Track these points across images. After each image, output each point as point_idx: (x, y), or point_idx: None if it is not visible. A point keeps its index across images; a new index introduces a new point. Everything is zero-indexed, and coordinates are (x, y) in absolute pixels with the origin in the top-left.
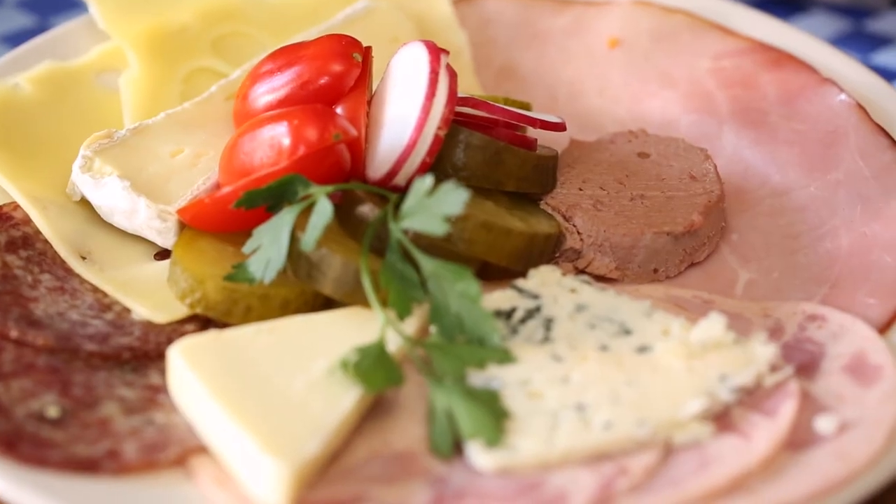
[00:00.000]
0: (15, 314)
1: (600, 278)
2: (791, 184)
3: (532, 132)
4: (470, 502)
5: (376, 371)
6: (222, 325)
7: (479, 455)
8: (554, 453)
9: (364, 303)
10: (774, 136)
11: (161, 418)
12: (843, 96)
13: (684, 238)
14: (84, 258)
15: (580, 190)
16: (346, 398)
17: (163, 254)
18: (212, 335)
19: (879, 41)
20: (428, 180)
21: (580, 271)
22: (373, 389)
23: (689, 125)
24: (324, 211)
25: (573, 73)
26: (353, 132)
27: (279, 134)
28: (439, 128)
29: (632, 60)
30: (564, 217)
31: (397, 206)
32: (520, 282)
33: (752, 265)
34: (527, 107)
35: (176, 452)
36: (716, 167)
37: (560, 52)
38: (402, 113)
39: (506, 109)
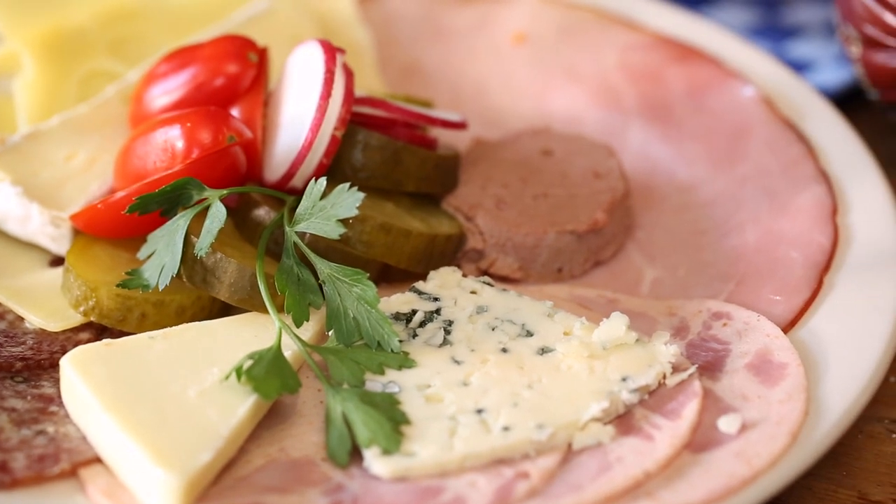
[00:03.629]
0: None
1: (504, 279)
2: (698, 179)
3: (434, 131)
4: None
5: (271, 377)
6: (117, 333)
7: (376, 462)
8: (452, 459)
9: (261, 308)
10: (681, 131)
11: (52, 429)
12: (750, 90)
13: (588, 237)
14: None
15: (482, 189)
16: (241, 406)
17: (58, 261)
18: (104, 344)
19: (792, 32)
20: (321, 183)
21: (483, 272)
22: (268, 396)
23: (596, 121)
24: (218, 215)
25: (478, 70)
26: (248, 134)
27: (173, 137)
28: (336, 128)
29: (538, 56)
30: (466, 217)
31: (293, 210)
32: (419, 284)
33: (658, 263)
34: (429, 105)
35: (67, 464)
36: (620, 164)
37: (465, 49)
38: (299, 114)
39: (405, 108)
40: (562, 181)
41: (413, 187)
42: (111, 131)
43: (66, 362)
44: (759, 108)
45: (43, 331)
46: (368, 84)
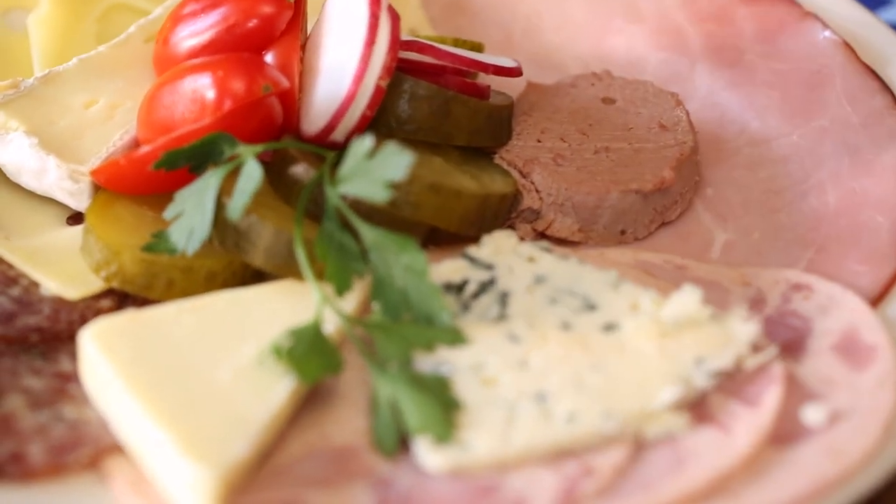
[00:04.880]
0: None
1: (562, 241)
2: (771, 132)
3: (484, 78)
4: None
5: (312, 357)
6: (142, 300)
7: (427, 453)
8: (511, 451)
9: (298, 276)
10: (752, 78)
11: (72, 413)
12: (827, 33)
13: (654, 196)
14: None
15: (538, 142)
16: (279, 389)
17: (76, 218)
18: (128, 316)
19: None
20: (367, 141)
21: (540, 234)
22: (308, 379)
23: (658, 65)
24: (252, 174)
25: (529, 8)
26: (285, 83)
27: (203, 86)
28: (381, 77)
29: None
30: (521, 173)
31: (334, 167)
32: (472, 250)
33: (729, 225)
34: (479, 48)
35: (88, 453)
36: (688, 114)
37: None
38: (340, 61)
39: (455, 54)
40: (625, 133)
41: (463, 141)
42: (134, 75)
43: (86, 337)
44: (838, 53)
45: (60, 298)
46: (412, 25)
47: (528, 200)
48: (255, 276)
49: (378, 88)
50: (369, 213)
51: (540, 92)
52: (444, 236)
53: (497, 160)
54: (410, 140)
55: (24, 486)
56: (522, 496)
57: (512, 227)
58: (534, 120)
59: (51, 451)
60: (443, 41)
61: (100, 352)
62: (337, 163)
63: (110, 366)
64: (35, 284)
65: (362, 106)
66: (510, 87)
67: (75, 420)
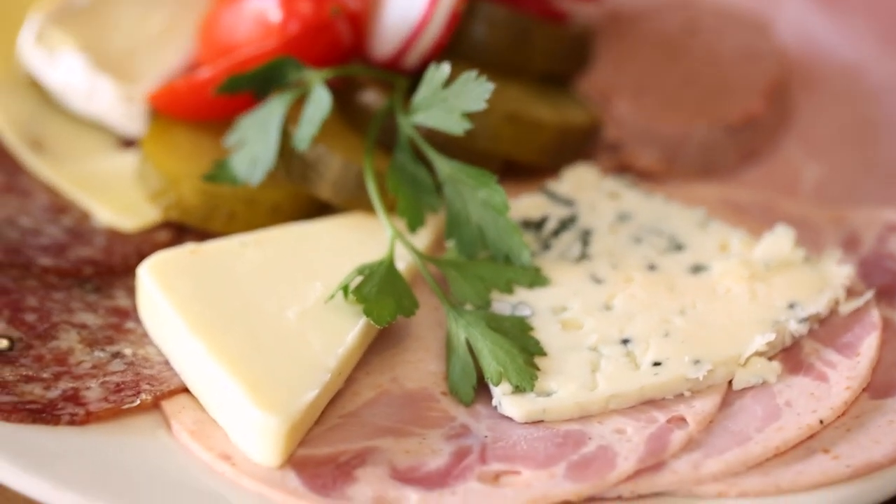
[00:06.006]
0: None
1: (643, 174)
2: (866, 61)
3: (560, 4)
4: (497, 467)
5: (384, 297)
6: (200, 233)
7: (507, 401)
8: (595, 399)
9: (367, 209)
10: (844, 3)
11: (129, 351)
12: None
13: (741, 129)
14: (36, 148)
15: (620, 70)
16: (348, 331)
17: (127, 143)
18: (188, 249)
19: None
20: (444, 68)
21: (621, 167)
22: (381, 321)
23: None
24: (320, 101)
25: None
26: (355, 4)
27: (267, 7)
28: (457, 1)
29: None
30: (602, 103)
31: (407, 95)
32: (552, 185)
33: (820, 160)
34: None
35: (148, 396)
36: (777, 43)
37: None
38: None
39: None
40: (710, 63)
41: (541, 69)
42: None
43: (145, 271)
44: None
45: (114, 230)
46: None
47: (609, 131)
48: (320, 209)
49: (454, 12)
50: (442, 144)
51: (621, 19)
52: (519, 169)
53: (576, 89)
54: (486, 68)
55: (81, 429)
56: (609, 447)
57: (591, 158)
58: (614, 48)
59: (109, 392)
60: None
61: (159, 287)
62: (409, 90)
63: (170, 303)
64: (86, 214)
65: (437, 30)
66: (588, 14)
67: (133, 358)
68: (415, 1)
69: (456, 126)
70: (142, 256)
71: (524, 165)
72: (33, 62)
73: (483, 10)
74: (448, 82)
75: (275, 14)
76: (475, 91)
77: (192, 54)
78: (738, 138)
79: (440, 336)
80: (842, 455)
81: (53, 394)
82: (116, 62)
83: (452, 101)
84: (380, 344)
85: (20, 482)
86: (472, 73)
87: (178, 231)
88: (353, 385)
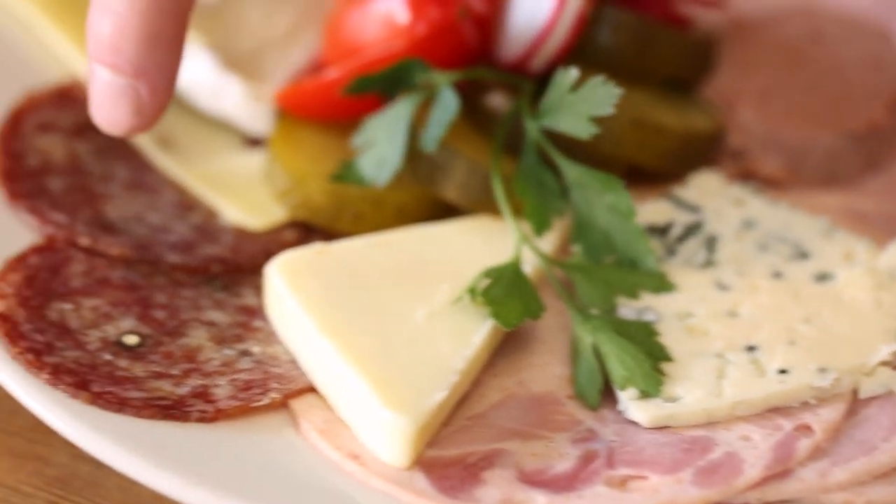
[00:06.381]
0: (85, 216)
1: (766, 182)
2: None
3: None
4: (624, 471)
5: (511, 300)
6: (326, 233)
7: (633, 405)
8: (721, 406)
9: (493, 212)
10: None
11: (258, 349)
12: None
13: (865, 138)
14: (164, 146)
15: (743, 77)
16: (476, 333)
17: (252, 142)
18: (316, 249)
19: None
20: (573, 73)
21: (744, 174)
22: (508, 324)
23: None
24: (448, 103)
25: None
26: (482, 7)
27: (395, 8)
28: (584, 4)
29: None
30: (725, 109)
31: (533, 98)
32: (677, 190)
33: None
34: None
35: (277, 394)
36: None
37: None
38: None
39: None
40: (834, 71)
41: (666, 74)
42: None
43: (273, 270)
44: None
45: (241, 228)
46: None
47: (733, 138)
48: (446, 211)
49: (581, 16)
50: (566, 147)
51: (743, 26)
52: (642, 174)
53: (699, 95)
54: (610, 72)
55: (210, 426)
56: (735, 454)
57: (714, 165)
58: (738, 54)
59: (237, 390)
60: None
61: (288, 287)
62: (536, 93)
63: (299, 302)
64: (213, 212)
65: (563, 34)
66: (712, 20)
67: (262, 356)
68: (542, 4)
69: (583, 130)
70: (269, 255)
71: (646, 170)
72: None
73: (609, 14)
74: (575, 86)
75: (402, 15)
76: (603, 95)
77: (318, 54)
78: (861, 147)
79: (565, 340)
80: None
81: (183, 390)
82: (243, 61)
83: (580, 105)
84: (506, 347)
85: (151, 478)
86: (600, 78)
87: (305, 230)
88: (479, 387)
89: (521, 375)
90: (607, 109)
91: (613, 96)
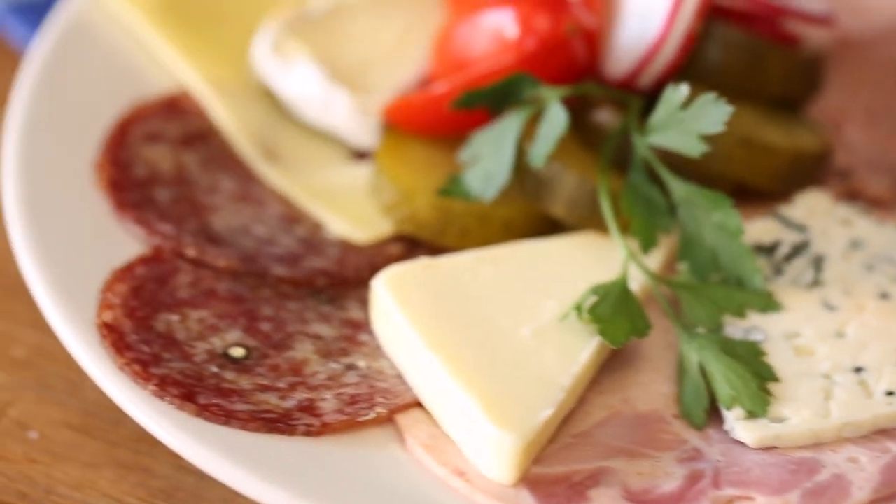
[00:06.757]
0: (192, 227)
1: (873, 202)
2: None
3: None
4: (731, 492)
5: (619, 318)
6: (431, 247)
7: (740, 426)
8: (828, 427)
9: (599, 228)
10: None
11: (364, 364)
12: None
13: None
14: (270, 157)
15: (851, 96)
16: (582, 350)
17: (358, 155)
18: (423, 264)
19: None
20: (682, 90)
21: (851, 193)
22: (615, 342)
23: None
24: (557, 119)
25: None
26: (591, 23)
27: (504, 23)
28: (693, 21)
29: None
30: (833, 129)
31: (642, 115)
32: (784, 209)
33: None
34: None
35: (383, 409)
36: None
37: None
38: (649, 1)
39: (766, 1)
40: None
41: (774, 92)
42: (424, 5)
43: (379, 285)
44: None
45: (346, 241)
46: None
47: (840, 157)
48: (551, 227)
49: (689, 33)
50: (673, 164)
51: (852, 45)
52: (747, 192)
53: (806, 114)
54: (718, 89)
55: (315, 440)
56: (842, 476)
57: (820, 184)
58: (846, 73)
59: (344, 404)
60: None
61: (395, 301)
62: (643, 111)
63: (406, 317)
64: (319, 225)
65: (672, 50)
66: (820, 39)
67: (367, 371)
68: (652, 21)
69: (693, 148)
70: (374, 269)
71: (752, 189)
72: (268, 71)
73: (718, 31)
74: (686, 104)
75: (512, 30)
76: (713, 113)
77: (426, 68)
78: None
79: (671, 358)
80: None
81: (289, 404)
82: (351, 74)
83: (690, 122)
84: (610, 364)
85: (257, 490)
86: (711, 96)
87: (410, 244)
88: (584, 404)
89: (626, 393)
90: (718, 127)
91: (724, 114)
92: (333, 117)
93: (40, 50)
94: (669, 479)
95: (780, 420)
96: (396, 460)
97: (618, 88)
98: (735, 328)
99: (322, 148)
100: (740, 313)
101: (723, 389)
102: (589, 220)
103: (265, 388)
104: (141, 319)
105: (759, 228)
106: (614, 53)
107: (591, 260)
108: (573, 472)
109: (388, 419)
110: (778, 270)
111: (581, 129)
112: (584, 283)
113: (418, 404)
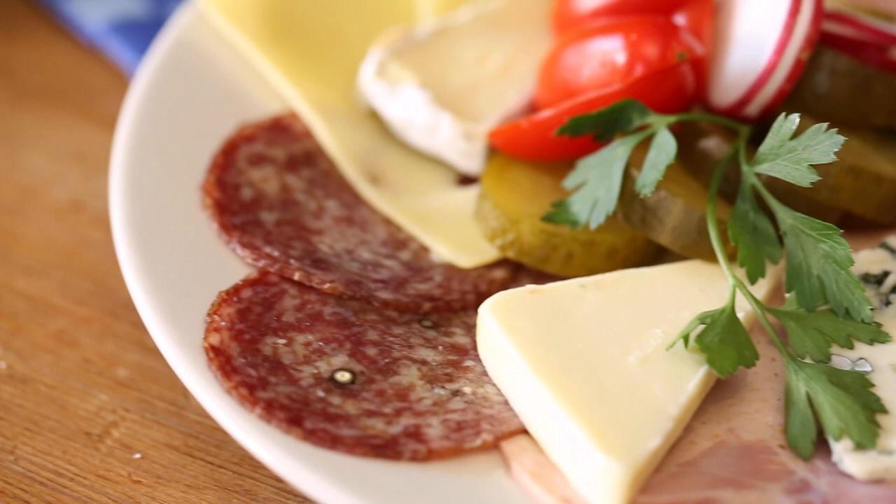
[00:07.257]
0: (298, 250)
1: None
2: None
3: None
4: None
5: (726, 347)
6: (536, 273)
7: (848, 458)
8: None
9: (705, 257)
10: None
11: (469, 390)
12: None
13: None
14: (375, 181)
15: None
16: (690, 379)
17: (464, 180)
18: (529, 290)
19: None
20: (793, 120)
21: None
22: (723, 371)
23: None
24: (665, 147)
25: None
26: (700, 50)
27: (612, 50)
28: (802, 49)
29: None
30: None
31: (750, 143)
32: (892, 240)
33: None
34: (893, 19)
35: (489, 436)
36: None
37: None
38: (758, 29)
39: (875, 27)
40: None
41: (882, 121)
42: (530, 31)
43: (485, 311)
44: None
45: (451, 266)
46: None
47: None
48: (656, 254)
49: (798, 61)
50: (780, 193)
51: None
52: (854, 222)
53: None
54: (825, 118)
55: (421, 466)
56: None
57: None
58: None
59: (450, 430)
60: (859, 11)
61: (501, 327)
62: (751, 139)
63: (513, 343)
64: (424, 249)
65: (781, 79)
66: None
67: (473, 398)
68: (761, 49)
69: (803, 178)
70: (478, 294)
71: (859, 218)
72: (374, 95)
73: (826, 58)
74: (796, 133)
75: (621, 57)
76: (824, 143)
77: (532, 93)
78: None
79: (776, 388)
80: None
81: (395, 429)
82: (456, 99)
83: (800, 152)
84: (716, 393)
85: None
86: (822, 126)
87: (514, 269)
88: (689, 434)
89: (731, 423)
90: (828, 157)
91: (835, 144)
92: (438, 142)
93: (147, 71)
94: None
95: (889, 452)
96: (502, 488)
97: (725, 116)
98: (842, 359)
99: (427, 172)
100: (848, 344)
101: (831, 420)
102: (694, 248)
103: (371, 414)
104: (247, 343)
105: (867, 259)
106: (722, 81)
107: (697, 288)
108: (679, 501)
109: (493, 446)
110: (886, 301)
111: (687, 156)
112: (691, 311)
113: (524, 431)
